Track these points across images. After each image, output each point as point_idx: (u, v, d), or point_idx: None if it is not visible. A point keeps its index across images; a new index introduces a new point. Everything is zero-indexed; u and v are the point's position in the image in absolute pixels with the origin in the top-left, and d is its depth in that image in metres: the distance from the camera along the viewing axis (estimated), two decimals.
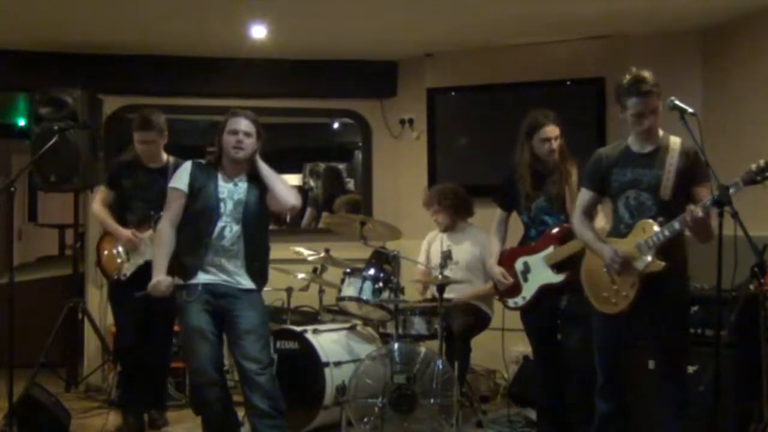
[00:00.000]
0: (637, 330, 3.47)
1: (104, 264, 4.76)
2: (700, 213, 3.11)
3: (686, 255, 3.46)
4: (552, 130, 4.11)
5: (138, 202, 4.61)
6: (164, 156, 4.67)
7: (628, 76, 3.36)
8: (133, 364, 4.68)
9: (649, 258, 3.30)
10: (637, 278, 3.34)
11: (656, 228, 3.30)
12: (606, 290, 3.46)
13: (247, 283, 3.79)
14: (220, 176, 3.80)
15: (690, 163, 3.35)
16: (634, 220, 3.41)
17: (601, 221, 3.95)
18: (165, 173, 4.53)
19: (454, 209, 5.07)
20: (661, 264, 3.29)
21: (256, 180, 3.85)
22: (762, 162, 3.03)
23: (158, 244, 3.84)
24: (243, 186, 3.81)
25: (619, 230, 3.49)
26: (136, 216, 4.60)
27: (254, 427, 3.71)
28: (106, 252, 4.75)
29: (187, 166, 3.85)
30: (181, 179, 3.81)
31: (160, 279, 3.75)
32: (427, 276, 5.06)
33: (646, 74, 3.34)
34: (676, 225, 3.23)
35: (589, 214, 3.67)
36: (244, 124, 3.76)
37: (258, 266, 3.84)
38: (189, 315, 3.71)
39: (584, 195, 3.66)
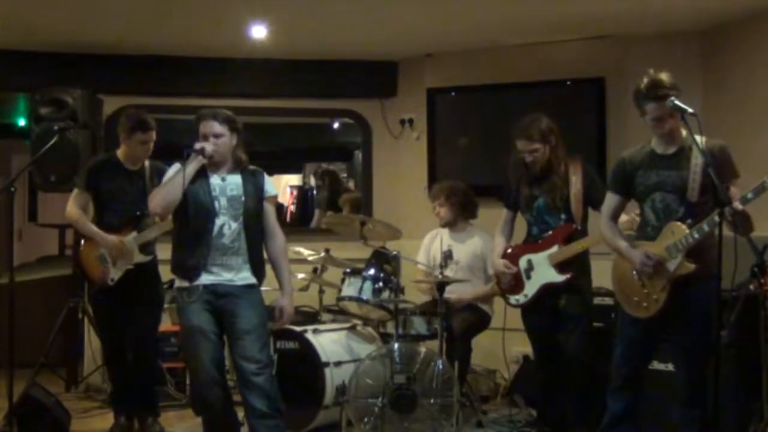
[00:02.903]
0: (667, 333, 3.43)
1: (89, 271, 4.60)
2: (740, 207, 3.06)
3: (716, 256, 3.34)
4: (523, 145, 4.12)
5: (118, 204, 4.50)
6: None
7: (645, 80, 3.31)
8: (119, 366, 4.65)
9: (679, 260, 3.27)
10: (667, 281, 3.31)
11: (685, 230, 3.26)
12: (637, 294, 3.42)
13: (249, 278, 3.78)
14: (208, 174, 3.77)
15: (716, 161, 3.24)
16: (661, 223, 3.37)
17: (624, 216, 3.89)
18: (143, 175, 4.52)
19: (461, 208, 5.07)
20: (691, 266, 3.26)
21: (249, 174, 3.84)
22: None
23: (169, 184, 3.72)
24: (235, 182, 3.79)
25: (647, 233, 3.45)
26: (117, 219, 4.50)
27: (252, 427, 3.70)
28: (89, 258, 4.58)
29: (176, 166, 3.77)
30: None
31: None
32: (427, 276, 5.06)
33: (664, 77, 3.28)
34: (705, 227, 3.19)
35: (616, 218, 3.63)
36: (211, 127, 3.72)
37: (259, 260, 3.84)
38: (189, 315, 3.70)
39: (610, 199, 3.61)
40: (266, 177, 3.91)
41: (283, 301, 3.87)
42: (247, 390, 3.66)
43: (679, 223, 3.30)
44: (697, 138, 3.30)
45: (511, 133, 4.18)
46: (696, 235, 3.22)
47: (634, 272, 3.42)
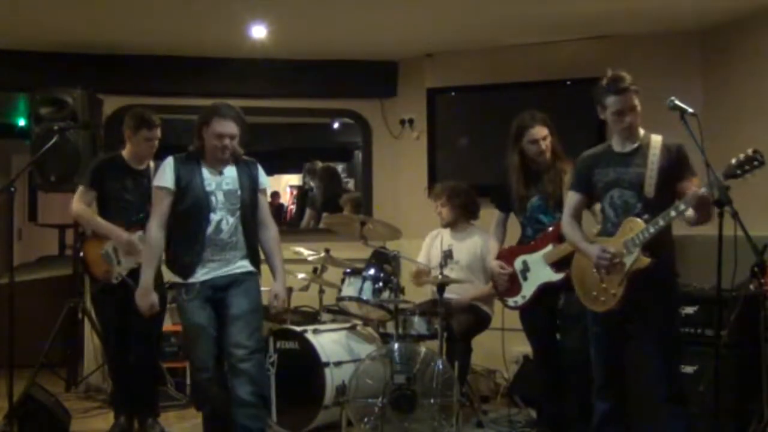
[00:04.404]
0: (630, 328, 3.49)
1: (92, 268, 4.58)
2: (704, 191, 3.11)
3: (674, 252, 3.50)
4: (539, 131, 4.14)
5: (122, 203, 4.48)
6: None
7: (605, 78, 3.43)
8: (119, 366, 4.63)
9: (636, 255, 3.32)
10: (624, 276, 3.36)
11: (643, 225, 3.32)
12: (595, 289, 3.49)
13: (248, 266, 3.78)
14: (204, 169, 3.75)
15: (673, 159, 3.37)
16: (620, 219, 3.44)
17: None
18: (149, 175, 4.49)
19: (463, 209, 5.07)
20: (647, 260, 3.31)
21: (244, 165, 3.82)
22: (742, 156, 3.07)
23: (147, 248, 3.78)
24: (231, 175, 3.78)
25: (607, 229, 3.52)
26: (120, 219, 4.47)
27: (232, 416, 3.63)
28: (93, 256, 4.56)
29: (169, 162, 3.75)
30: (165, 177, 3.72)
31: (151, 296, 3.76)
32: (426, 274, 5.06)
33: (623, 73, 3.40)
34: (661, 221, 3.26)
35: (577, 216, 3.71)
36: (230, 128, 3.69)
37: (256, 253, 3.84)
38: (189, 312, 3.70)
39: (572, 197, 3.70)
40: (260, 168, 3.90)
41: (277, 286, 3.87)
42: (233, 377, 3.63)
43: (637, 219, 3.36)
44: (655, 136, 3.43)
45: (516, 130, 4.19)
46: (651, 230, 3.28)
47: (593, 267, 3.48)
